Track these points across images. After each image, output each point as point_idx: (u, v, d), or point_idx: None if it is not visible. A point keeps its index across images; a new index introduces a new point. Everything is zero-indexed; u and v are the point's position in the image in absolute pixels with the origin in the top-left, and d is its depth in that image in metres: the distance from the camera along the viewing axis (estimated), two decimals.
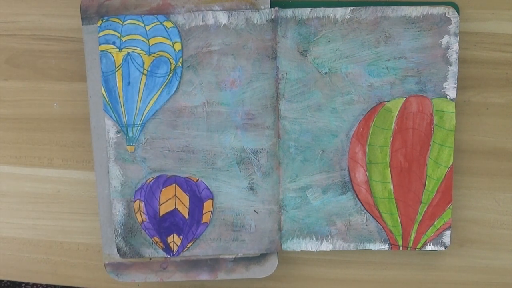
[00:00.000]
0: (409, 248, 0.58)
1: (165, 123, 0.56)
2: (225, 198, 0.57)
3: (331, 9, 0.54)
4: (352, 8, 0.54)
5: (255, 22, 0.54)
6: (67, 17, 0.57)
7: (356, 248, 0.58)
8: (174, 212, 0.58)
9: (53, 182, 0.61)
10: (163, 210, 0.58)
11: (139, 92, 0.56)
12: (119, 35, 0.55)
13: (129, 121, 0.56)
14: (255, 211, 0.57)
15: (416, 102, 0.55)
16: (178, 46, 0.55)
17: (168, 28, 0.55)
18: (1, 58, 0.59)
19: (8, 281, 0.94)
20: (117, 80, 0.55)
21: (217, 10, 0.54)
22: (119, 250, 0.58)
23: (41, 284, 0.89)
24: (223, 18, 0.54)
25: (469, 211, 0.58)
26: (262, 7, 0.54)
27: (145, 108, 0.56)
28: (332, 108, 0.56)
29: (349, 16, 0.54)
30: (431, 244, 0.57)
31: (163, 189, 0.57)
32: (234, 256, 0.59)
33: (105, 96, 0.56)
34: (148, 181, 0.57)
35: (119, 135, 0.57)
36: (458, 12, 0.53)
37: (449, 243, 0.57)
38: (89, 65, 0.56)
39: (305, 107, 0.56)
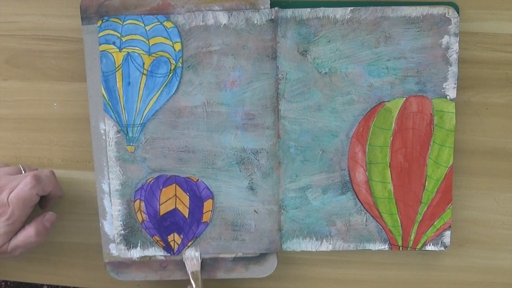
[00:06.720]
0: (409, 248, 0.58)
1: (165, 123, 0.56)
2: (225, 198, 0.57)
3: (331, 9, 0.54)
4: (352, 8, 0.54)
5: (255, 22, 0.54)
6: (67, 17, 0.57)
7: (356, 248, 0.58)
8: (175, 212, 0.58)
9: None
10: (164, 209, 0.58)
11: (139, 92, 0.56)
12: (119, 35, 0.55)
13: (129, 121, 0.56)
14: (255, 211, 0.57)
15: (416, 102, 0.55)
16: (178, 46, 0.55)
17: (168, 28, 0.55)
18: (1, 58, 0.59)
19: (9, 281, 0.94)
20: (117, 80, 0.56)
21: (217, 10, 0.54)
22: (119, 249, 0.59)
23: (41, 284, 0.89)
24: (223, 18, 0.54)
25: (469, 211, 0.58)
26: (262, 7, 0.54)
27: (145, 108, 0.56)
28: (332, 108, 0.56)
29: (349, 16, 0.54)
30: (431, 244, 0.57)
31: (163, 189, 0.57)
32: (233, 256, 0.59)
33: (105, 96, 0.56)
34: (148, 181, 0.57)
35: (119, 135, 0.57)
36: (458, 12, 0.53)
37: (449, 243, 0.57)
38: (89, 65, 0.56)
39: (305, 107, 0.56)
